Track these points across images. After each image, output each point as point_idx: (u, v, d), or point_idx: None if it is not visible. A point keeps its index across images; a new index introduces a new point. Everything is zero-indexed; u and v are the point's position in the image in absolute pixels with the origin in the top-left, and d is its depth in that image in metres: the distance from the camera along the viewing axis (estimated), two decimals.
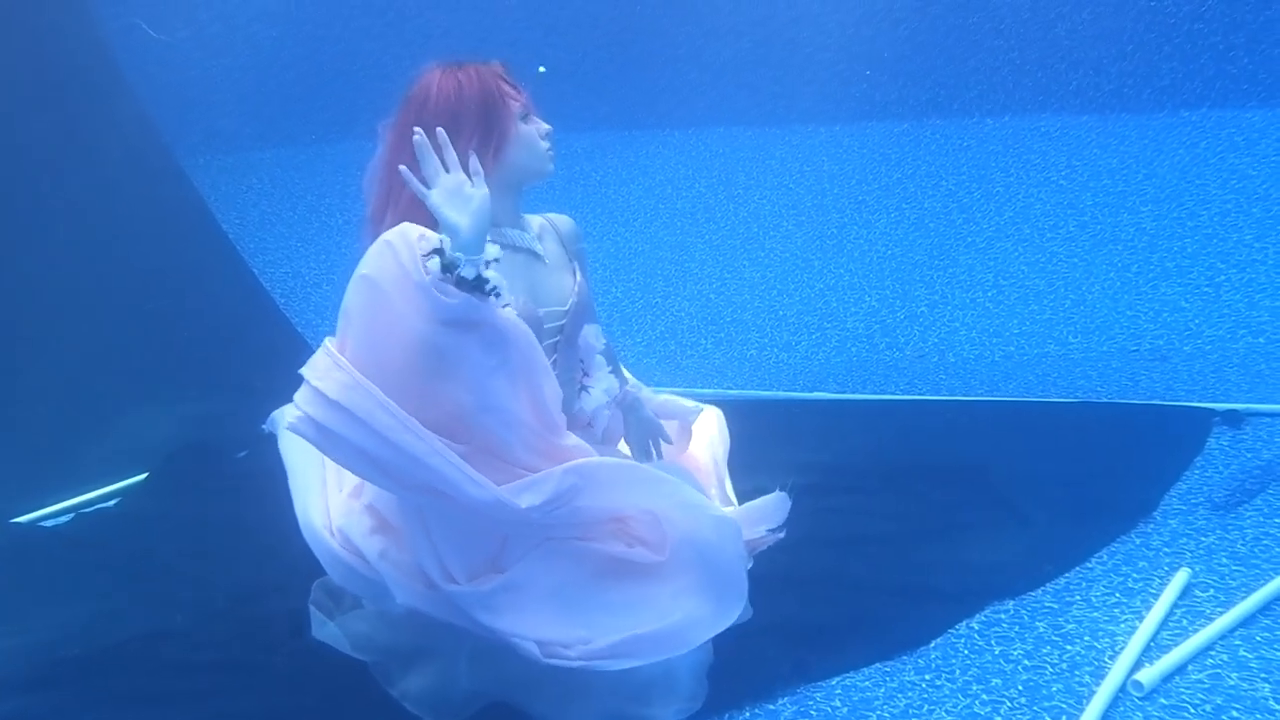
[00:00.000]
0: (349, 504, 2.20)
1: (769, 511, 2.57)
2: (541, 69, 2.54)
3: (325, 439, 1.90)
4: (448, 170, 1.96)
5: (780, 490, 2.58)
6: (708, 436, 2.82)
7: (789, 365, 4.36)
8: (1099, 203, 5.05)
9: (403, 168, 1.95)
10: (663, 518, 2.05)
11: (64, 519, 3.43)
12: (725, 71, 6.57)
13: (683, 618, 2.00)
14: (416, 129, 1.93)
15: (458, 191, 1.93)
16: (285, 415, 2.46)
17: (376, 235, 2.01)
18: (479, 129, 2.12)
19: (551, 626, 1.99)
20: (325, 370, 1.89)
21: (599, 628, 1.99)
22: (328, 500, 2.24)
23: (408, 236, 1.90)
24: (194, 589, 2.80)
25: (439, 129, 1.95)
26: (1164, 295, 4.32)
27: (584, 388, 2.41)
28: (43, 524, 3.39)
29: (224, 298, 4.42)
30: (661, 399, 2.64)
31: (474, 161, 1.98)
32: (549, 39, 6.58)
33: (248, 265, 4.76)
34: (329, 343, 1.95)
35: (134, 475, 3.62)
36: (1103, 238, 4.80)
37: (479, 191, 1.95)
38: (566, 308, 2.30)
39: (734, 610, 2.05)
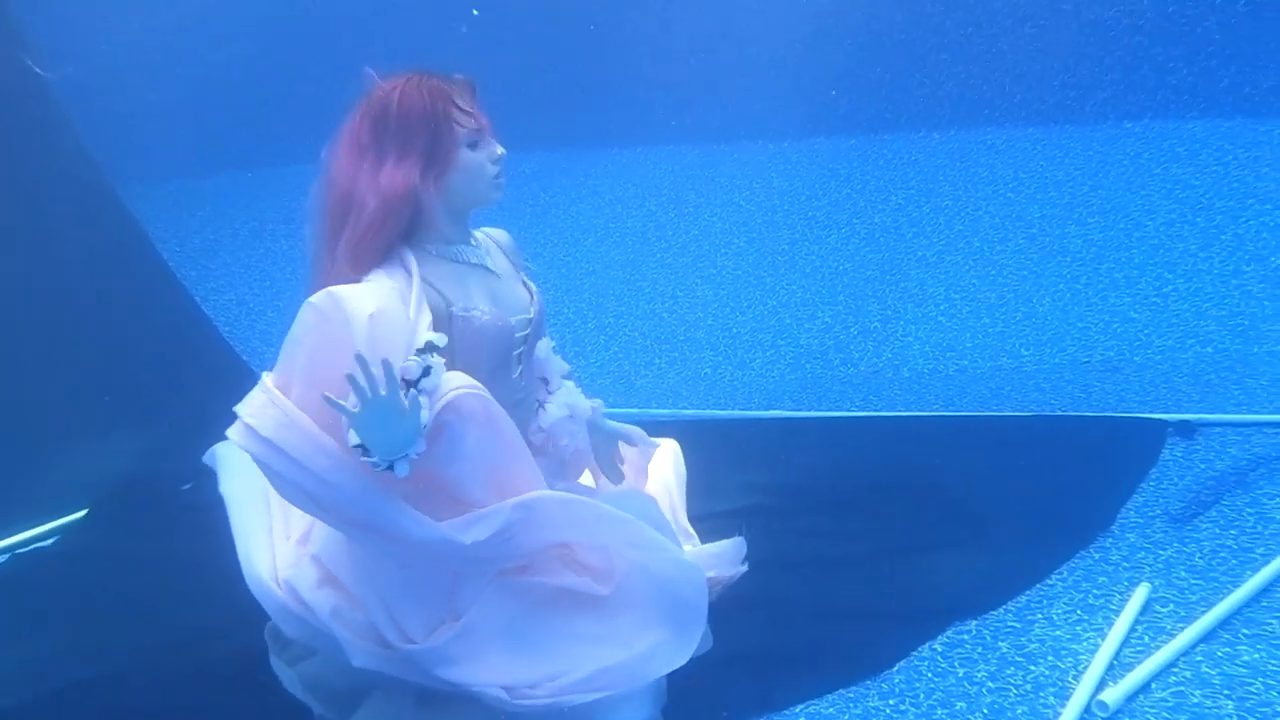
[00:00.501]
0: (296, 552, 2.12)
1: (726, 555, 2.56)
2: (475, 12, 2.46)
3: (265, 475, 1.85)
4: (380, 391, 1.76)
5: (737, 530, 2.60)
6: (662, 473, 2.76)
7: (743, 384, 4.34)
8: (1046, 215, 5.08)
9: (326, 395, 1.77)
10: (614, 550, 2.01)
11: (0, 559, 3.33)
12: (674, 90, 6.55)
13: (647, 648, 1.96)
14: (357, 352, 1.75)
15: (384, 413, 1.75)
16: (222, 453, 2.40)
17: (328, 259, 1.96)
18: (421, 151, 2.05)
19: (514, 669, 1.94)
20: (260, 408, 1.83)
21: (564, 661, 1.95)
22: (274, 548, 2.16)
23: (343, 308, 1.83)
24: (135, 632, 2.72)
25: (381, 360, 1.76)
26: (1113, 306, 4.34)
27: (540, 404, 2.35)
28: None
29: (166, 327, 4.32)
30: (620, 428, 2.59)
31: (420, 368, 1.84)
32: (495, 59, 6.52)
33: (189, 294, 4.66)
34: (266, 378, 1.88)
35: (73, 512, 3.53)
36: (1051, 249, 4.83)
37: (407, 413, 1.78)
38: (530, 315, 2.24)
39: (694, 639, 2.01)
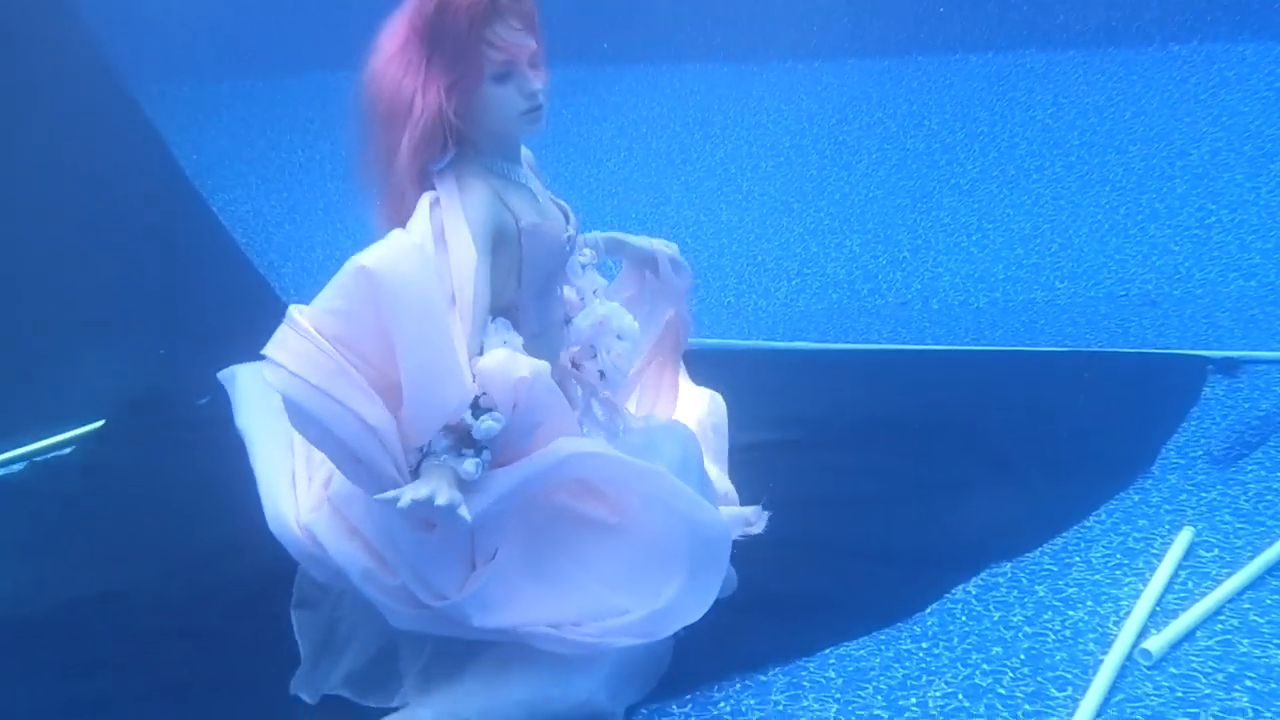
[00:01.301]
0: (319, 495, 2.03)
1: (747, 521, 2.50)
2: None
3: (300, 424, 1.75)
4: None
5: (762, 464, 2.57)
6: (700, 421, 2.63)
7: (767, 313, 4.24)
8: (1085, 142, 4.93)
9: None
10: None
11: (17, 467, 3.31)
12: (701, 5, 6.36)
13: (670, 599, 1.90)
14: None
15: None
16: (241, 381, 2.30)
17: (388, 171, 1.91)
18: (445, 76, 1.88)
19: (552, 607, 1.88)
20: (304, 353, 1.68)
21: (597, 601, 1.90)
22: (295, 488, 2.08)
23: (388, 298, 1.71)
24: (149, 549, 2.68)
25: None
26: (1153, 238, 4.22)
27: (568, 319, 2.23)
28: None
29: (182, 236, 4.25)
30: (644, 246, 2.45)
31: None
32: None
33: (206, 203, 4.58)
34: (299, 316, 1.73)
35: (91, 422, 3.49)
36: (1089, 179, 4.69)
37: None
38: (571, 232, 2.13)
39: (713, 594, 1.95)
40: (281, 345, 1.69)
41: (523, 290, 2.00)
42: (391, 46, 1.92)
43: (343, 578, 1.95)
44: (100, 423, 3.48)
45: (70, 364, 3.60)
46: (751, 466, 2.70)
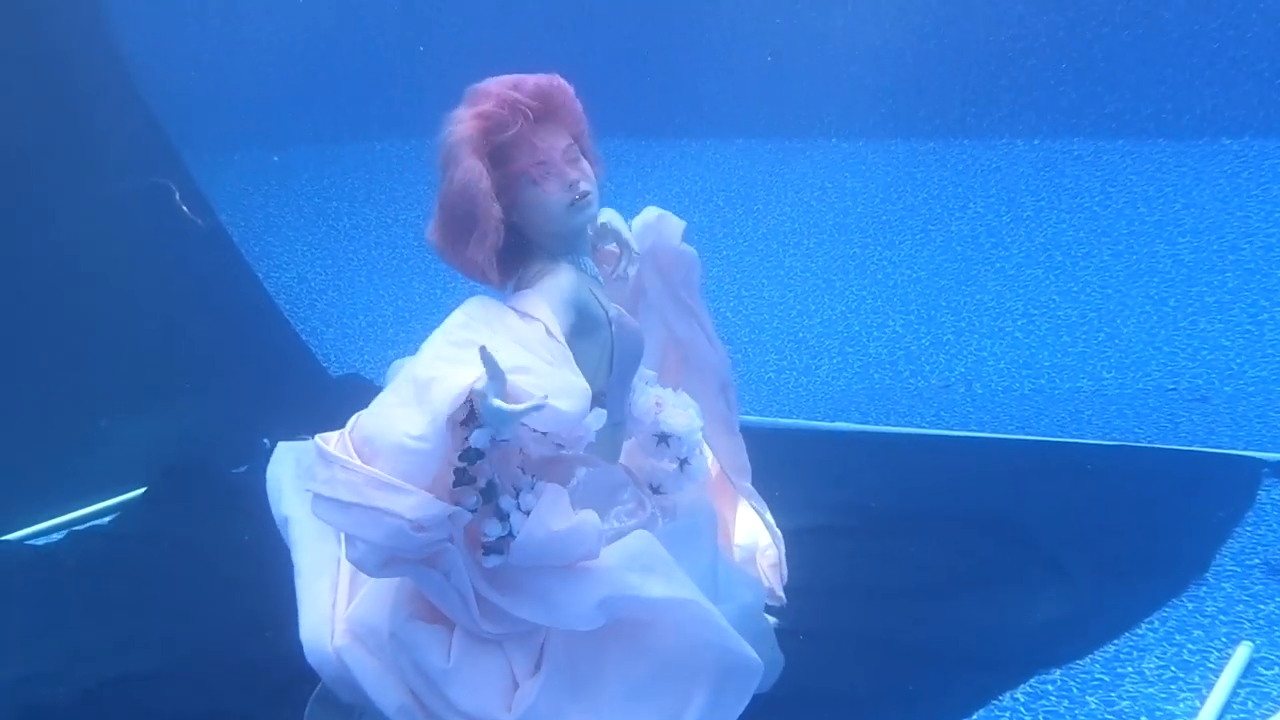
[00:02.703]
0: (354, 620, 2.03)
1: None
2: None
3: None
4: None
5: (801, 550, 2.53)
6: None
7: (808, 391, 4.20)
8: (1134, 232, 4.88)
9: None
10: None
11: (56, 537, 3.32)
12: (748, 82, 6.41)
13: (698, 714, 1.88)
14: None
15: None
16: (288, 488, 2.28)
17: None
18: (493, 189, 1.95)
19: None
20: (331, 479, 1.72)
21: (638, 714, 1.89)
22: (335, 608, 2.06)
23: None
24: (186, 624, 2.67)
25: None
26: (1203, 332, 4.15)
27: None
28: (33, 542, 3.27)
29: (227, 302, 4.30)
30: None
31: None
32: (566, 42, 6.45)
33: (251, 269, 4.61)
34: (324, 446, 1.76)
35: (130, 490, 3.51)
36: (1138, 269, 4.64)
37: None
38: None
39: (736, 713, 1.93)
40: (311, 477, 1.75)
41: (613, 377, 2.04)
42: (453, 146, 1.96)
43: (368, 700, 1.94)
44: (141, 490, 3.49)
45: (112, 430, 3.64)
46: (791, 551, 2.65)
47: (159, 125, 4.31)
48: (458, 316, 1.88)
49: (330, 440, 1.74)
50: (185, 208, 3.97)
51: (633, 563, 1.90)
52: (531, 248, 2.06)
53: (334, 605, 2.06)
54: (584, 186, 1.99)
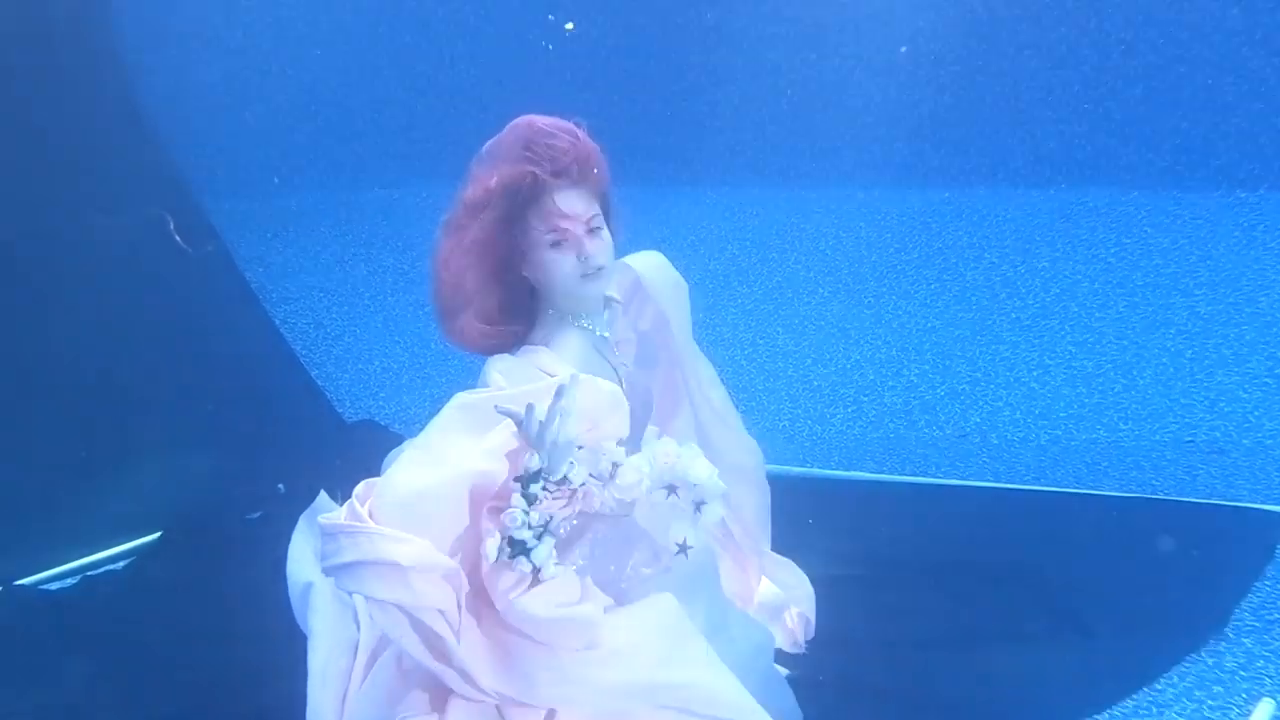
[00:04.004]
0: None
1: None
2: (569, 26, 2.38)
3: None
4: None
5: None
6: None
7: (823, 440, 4.18)
8: (1151, 284, 4.88)
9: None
10: None
11: (70, 582, 3.32)
12: (764, 130, 6.45)
13: None
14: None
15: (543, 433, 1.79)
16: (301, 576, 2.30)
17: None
18: (503, 247, 2.03)
19: None
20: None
21: None
22: (344, 696, 2.07)
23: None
24: (201, 669, 2.68)
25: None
26: (1221, 385, 4.13)
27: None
28: (46, 587, 3.27)
29: (243, 348, 4.29)
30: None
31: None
32: (584, 89, 6.50)
33: (269, 314, 4.63)
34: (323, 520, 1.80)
35: (143, 535, 3.51)
36: (1155, 321, 4.63)
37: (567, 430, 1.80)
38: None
39: None
40: (322, 558, 1.79)
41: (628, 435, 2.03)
42: (469, 200, 1.99)
43: None
44: (153, 536, 3.49)
45: (125, 476, 3.64)
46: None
47: (177, 169, 4.34)
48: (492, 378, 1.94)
49: (338, 514, 1.78)
50: (179, 238, 3.98)
51: (657, 645, 1.89)
52: (541, 303, 2.09)
53: (346, 683, 2.06)
54: (599, 261, 2.02)
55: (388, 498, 1.76)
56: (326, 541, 1.76)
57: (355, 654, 2.11)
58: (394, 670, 1.99)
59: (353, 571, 1.72)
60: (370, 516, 1.76)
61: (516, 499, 1.77)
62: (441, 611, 1.75)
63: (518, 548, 1.77)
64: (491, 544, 1.76)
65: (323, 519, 1.79)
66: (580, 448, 1.84)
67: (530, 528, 1.77)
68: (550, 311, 2.10)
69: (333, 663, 2.11)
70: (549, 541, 1.80)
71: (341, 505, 1.81)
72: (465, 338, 2.07)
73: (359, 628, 2.14)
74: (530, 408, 1.77)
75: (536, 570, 1.79)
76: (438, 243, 2.05)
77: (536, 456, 1.79)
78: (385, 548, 1.70)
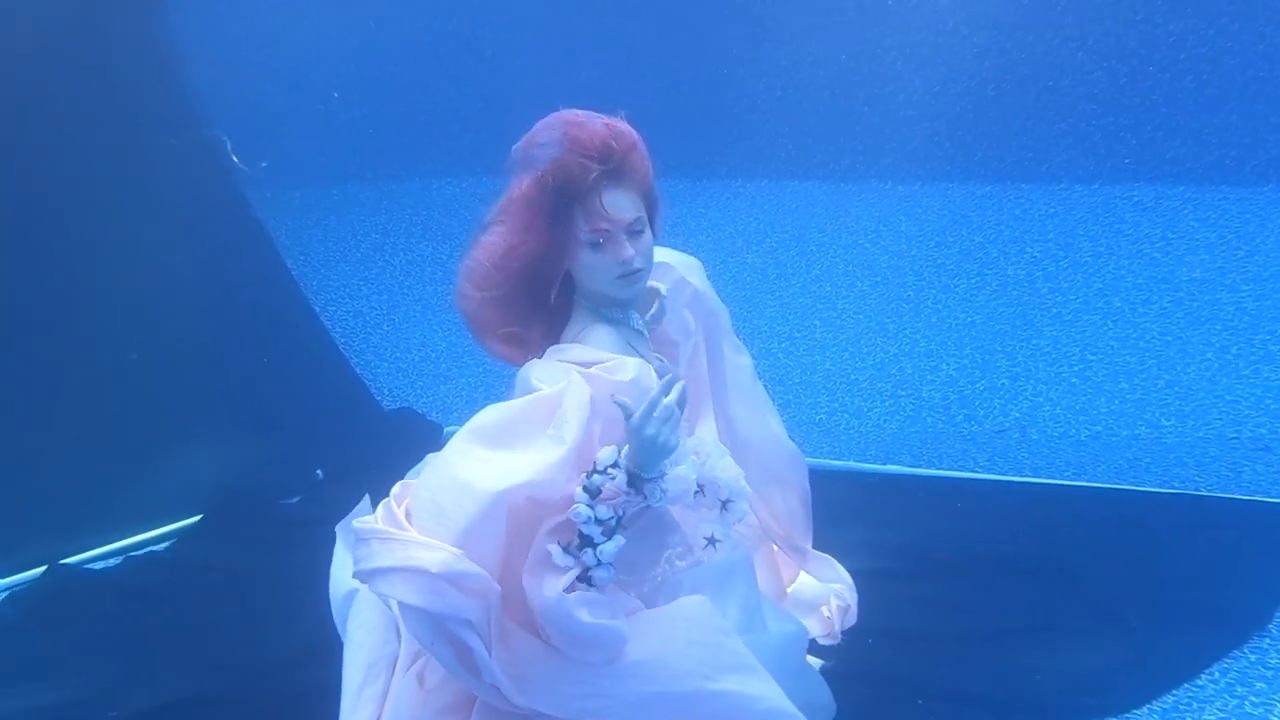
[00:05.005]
0: None
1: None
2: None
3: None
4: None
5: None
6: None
7: (859, 434, 4.16)
8: (1196, 279, 4.81)
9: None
10: None
11: (114, 561, 3.38)
12: (802, 125, 6.42)
13: None
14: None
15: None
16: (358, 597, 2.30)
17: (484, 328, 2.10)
18: (545, 238, 2.02)
19: None
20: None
21: None
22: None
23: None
24: (238, 649, 2.71)
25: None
26: (1267, 380, 4.06)
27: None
28: (91, 566, 3.33)
29: (285, 336, 4.33)
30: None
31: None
32: (622, 83, 6.50)
33: (309, 303, 4.67)
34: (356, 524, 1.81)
35: (184, 517, 3.57)
36: (1199, 316, 4.56)
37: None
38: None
39: None
40: (356, 562, 1.79)
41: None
42: (513, 194, 2.00)
43: None
44: (197, 518, 3.55)
45: (167, 459, 3.69)
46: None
47: (223, 162, 4.39)
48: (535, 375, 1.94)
49: (372, 519, 1.80)
50: (235, 158, 4.01)
51: (687, 655, 1.87)
52: (577, 297, 2.10)
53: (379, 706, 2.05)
54: (638, 264, 2.02)
55: (424, 501, 1.76)
56: (359, 545, 1.77)
57: (392, 672, 2.11)
58: (415, 690, 1.97)
59: (384, 576, 1.72)
60: (407, 518, 1.77)
61: (582, 494, 1.78)
62: (470, 622, 1.74)
63: (585, 543, 1.78)
64: (559, 539, 1.76)
65: (357, 522, 1.80)
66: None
67: (599, 522, 1.77)
68: (584, 305, 2.10)
69: (369, 684, 2.09)
70: (617, 540, 1.80)
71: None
72: (493, 332, 2.12)
73: (400, 640, 2.13)
74: (653, 402, 1.79)
75: (589, 570, 1.78)
76: (480, 236, 2.07)
77: (609, 451, 1.79)
78: (415, 554, 1.70)
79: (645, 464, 1.80)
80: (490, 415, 1.86)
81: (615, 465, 1.80)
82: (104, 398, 3.62)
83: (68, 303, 3.63)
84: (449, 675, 1.87)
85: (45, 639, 2.87)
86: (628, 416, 1.79)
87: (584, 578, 1.79)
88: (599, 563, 1.78)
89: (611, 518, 1.78)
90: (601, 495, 1.78)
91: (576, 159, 1.94)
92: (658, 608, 1.94)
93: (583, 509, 1.77)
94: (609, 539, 1.78)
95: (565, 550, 1.78)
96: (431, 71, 6.74)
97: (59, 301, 3.61)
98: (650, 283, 2.26)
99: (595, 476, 1.79)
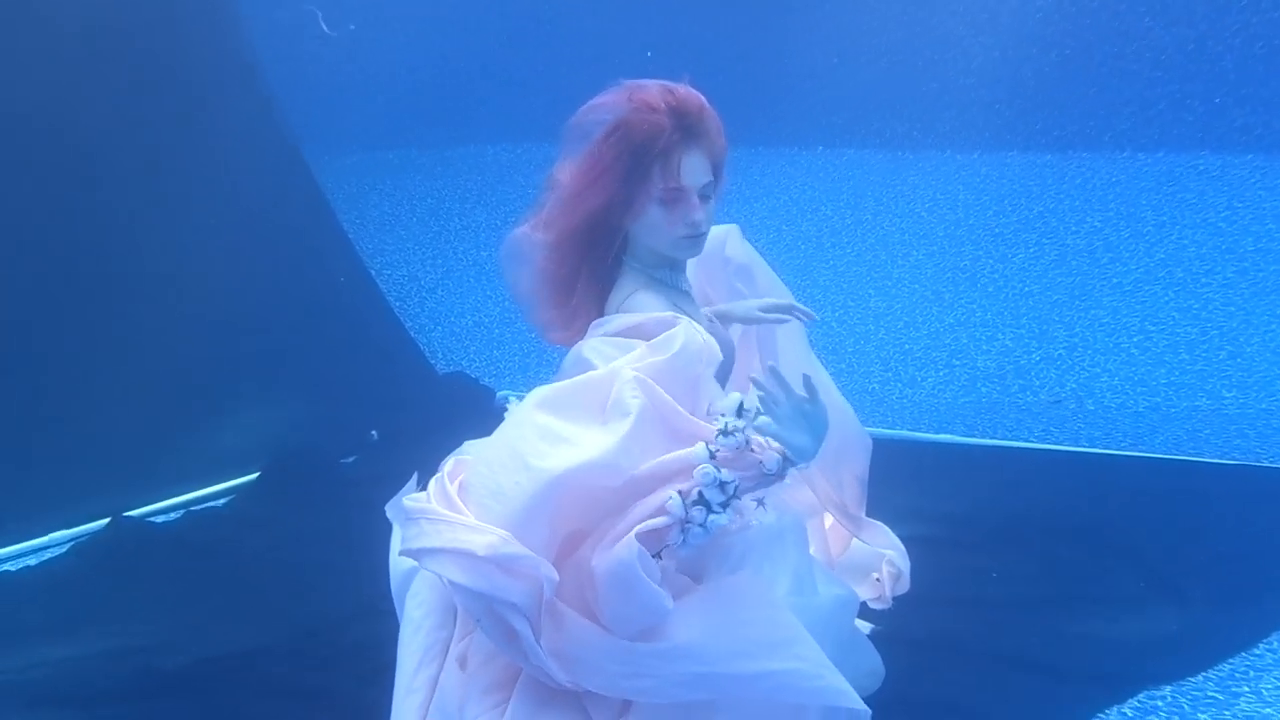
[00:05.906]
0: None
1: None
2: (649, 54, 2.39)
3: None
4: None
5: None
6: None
7: (913, 402, 4.14)
8: (1261, 249, 4.71)
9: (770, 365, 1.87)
10: None
11: (174, 515, 3.45)
12: (860, 92, 6.35)
13: None
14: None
15: (797, 415, 1.82)
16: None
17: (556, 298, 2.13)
18: (617, 189, 2.01)
19: None
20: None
21: None
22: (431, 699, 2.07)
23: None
24: (293, 603, 2.76)
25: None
26: None
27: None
28: (153, 519, 3.40)
29: (341, 299, 4.39)
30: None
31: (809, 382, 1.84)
32: (681, 50, 6.46)
33: (365, 266, 4.72)
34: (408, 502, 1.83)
35: (242, 475, 3.64)
36: (1264, 286, 4.47)
37: (818, 409, 1.84)
38: None
39: None
40: (403, 540, 1.81)
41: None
42: (585, 145, 2.02)
43: None
44: (255, 475, 3.62)
45: (226, 418, 3.77)
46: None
47: (280, 119, 4.44)
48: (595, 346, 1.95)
49: (423, 496, 1.81)
50: (324, 26, 4.05)
51: (732, 635, 1.83)
52: (626, 259, 2.12)
53: (432, 690, 2.03)
54: (703, 229, 2.04)
55: (483, 476, 1.77)
56: (408, 524, 1.78)
57: (445, 657, 2.12)
58: (457, 675, 1.97)
59: (432, 555, 1.73)
60: (461, 493, 1.78)
61: (704, 458, 1.78)
62: (515, 605, 1.73)
63: (704, 506, 1.76)
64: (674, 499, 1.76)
65: (408, 500, 1.81)
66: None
67: (722, 486, 1.77)
68: (634, 266, 2.11)
69: (423, 668, 2.06)
70: (731, 511, 1.79)
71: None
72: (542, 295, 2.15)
73: (456, 623, 2.14)
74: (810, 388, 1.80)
75: (688, 527, 1.77)
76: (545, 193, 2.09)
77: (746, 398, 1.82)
78: (462, 536, 1.70)
79: (799, 450, 1.82)
80: (548, 394, 1.86)
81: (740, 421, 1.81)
82: (168, 358, 3.70)
83: (137, 267, 3.72)
84: (492, 654, 1.88)
85: (108, 589, 2.94)
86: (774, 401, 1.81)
87: (675, 538, 1.79)
88: (703, 527, 1.77)
89: (733, 483, 1.78)
90: (727, 460, 1.78)
91: (661, 118, 1.97)
92: (707, 584, 1.93)
93: (710, 469, 1.77)
94: (723, 511, 1.78)
95: (684, 501, 1.77)
96: (489, 36, 6.75)
97: (129, 265, 3.70)
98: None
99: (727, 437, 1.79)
